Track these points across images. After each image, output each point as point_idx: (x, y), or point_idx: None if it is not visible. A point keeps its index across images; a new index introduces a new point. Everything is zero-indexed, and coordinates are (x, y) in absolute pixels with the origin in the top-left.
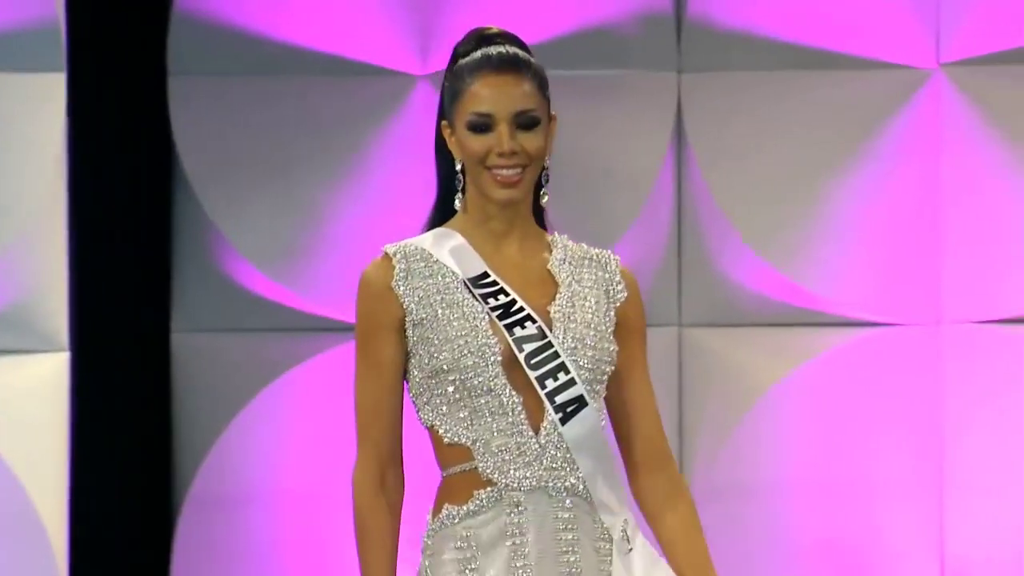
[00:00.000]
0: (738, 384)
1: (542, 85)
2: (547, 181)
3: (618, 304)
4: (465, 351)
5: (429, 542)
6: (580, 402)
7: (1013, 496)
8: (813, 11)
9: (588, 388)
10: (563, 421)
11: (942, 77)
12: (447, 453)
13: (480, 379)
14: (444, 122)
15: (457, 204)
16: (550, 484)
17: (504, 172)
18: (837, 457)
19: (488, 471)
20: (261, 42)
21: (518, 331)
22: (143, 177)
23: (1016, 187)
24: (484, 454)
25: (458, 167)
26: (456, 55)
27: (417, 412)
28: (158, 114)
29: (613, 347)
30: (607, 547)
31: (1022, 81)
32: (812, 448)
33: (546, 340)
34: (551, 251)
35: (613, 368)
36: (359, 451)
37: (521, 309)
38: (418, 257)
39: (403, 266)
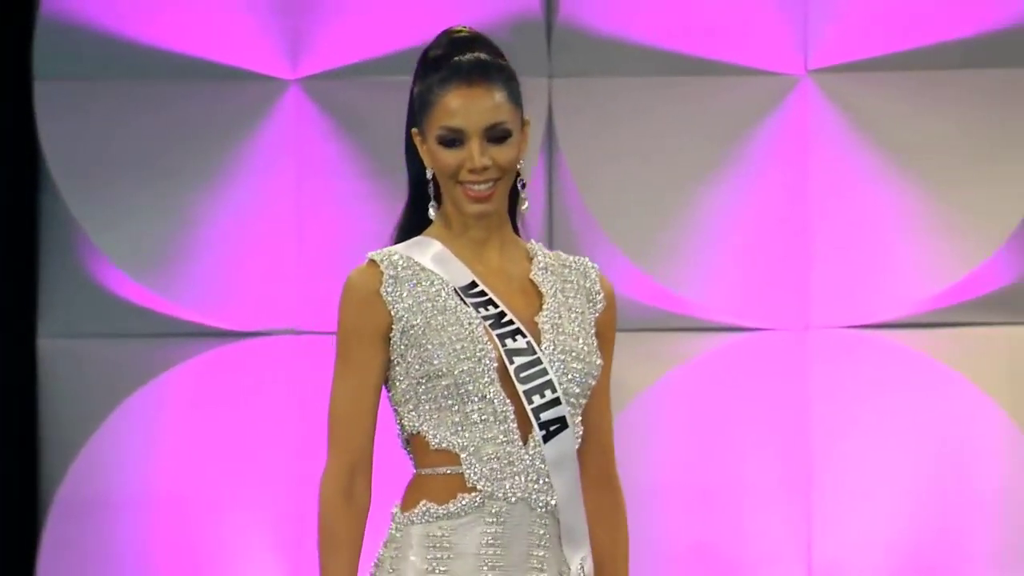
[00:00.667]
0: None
1: (513, 92)
2: (523, 187)
3: (598, 314)
4: (462, 356)
5: (397, 535)
6: (562, 423)
7: (880, 498)
8: (683, 18)
9: (574, 404)
10: (545, 439)
11: (810, 84)
12: (431, 456)
13: (474, 385)
14: (414, 129)
15: (432, 213)
16: (532, 498)
17: (476, 188)
18: (707, 461)
19: (475, 478)
20: (129, 46)
21: (509, 343)
22: (9, 182)
23: (882, 193)
24: (473, 461)
25: (429, 175)
26: (426, 59)
27: (398, 420)
28: (25, 118)
29: (599, 360)
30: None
31: (888, 88)
32: (682, 452)
33: (535, 356)
34: (531, 259)
35: (596, 381)
36: (329, 456)
37: (511, 321)
38: (404, 264)
39: (391, 273)
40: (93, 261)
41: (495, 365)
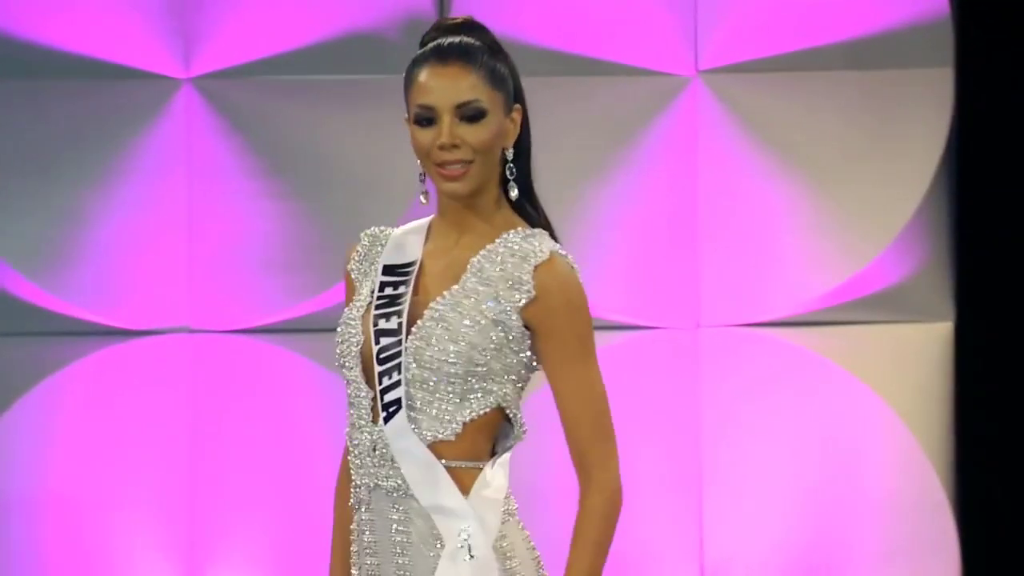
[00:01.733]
0: None
1: (495, 75)
2: (512, 175)
3: (520, 306)
4: (338, 338)
5: None
6: (397, 405)
7: (770, 495)
8: (573, 17)
9: (430, 389)
10: (385, 420)
11: (700, 84)
12: None
13: (344, 369)
14: (405, 116)
15: (422, 200)
16: (382, 483)
17: (447, 168)
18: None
19: (352, 466)
20: (20, 45)
21: (382, 323)
22: None
23: (771, 192)
24: (351, 448)
25: (419, 160)
26: (420, 45)
27: None
28: None
29: (456, 347)
30: (439, 550)
31: (777, 88)
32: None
33: (398, 338)
34: (491, 245)
35: (479, 369)
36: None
37: (400, 302)
38: (381, 241)
39: (364, 250)
40: None
41: (357, 349)
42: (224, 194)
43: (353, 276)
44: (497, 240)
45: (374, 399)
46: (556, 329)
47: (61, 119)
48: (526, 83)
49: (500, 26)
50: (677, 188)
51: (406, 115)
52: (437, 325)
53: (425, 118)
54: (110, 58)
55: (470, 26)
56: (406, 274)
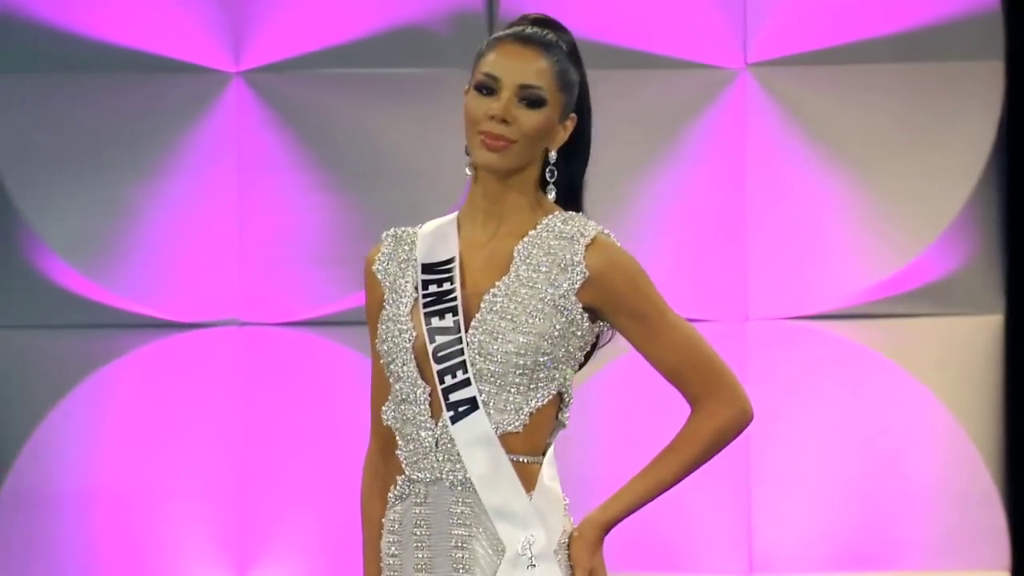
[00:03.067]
0: None
1: (564, 77)
2: (552, 176)
3: (576, 288)
4: (385, 335)
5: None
6: (472, 404)
7: (818, 487)
8: (620, 10)
9: (497, 381)
10: (453, 420)
11: (748, 77)
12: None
13: (395, 365)
14: (466, 87)
15: (468, 170)
16: (444, 477)
17: (491, 138)
18: (645, 452)
19: (402, 458)
20: (73, 39)
21: (435, 321)
22: None
23: (820, 186)
24: (400, 440)
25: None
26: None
27: None
28: None
29: (526, 338)
30: (501, 553)
31: (826, 81)
32: (621, 442)
33: (457, 335)
34: (533, 231)
35: (545, 359)
36: (370, 437)
37: (453, 299)
38: (407, 240)
39: (388, 250)
40: (37, 253)
41: (410, 345)
42: (274, 187)
43: (380, 277)
44: (538, 226)
45: (431, 394)
46: (625, 303)
47: (112, 113)
48: None
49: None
50: (725, 181)
51: (466, 86)
52: (499, 318)
53: (487, 87)
54: (161, 52)
55: (557, 26)
56: (448, 271)
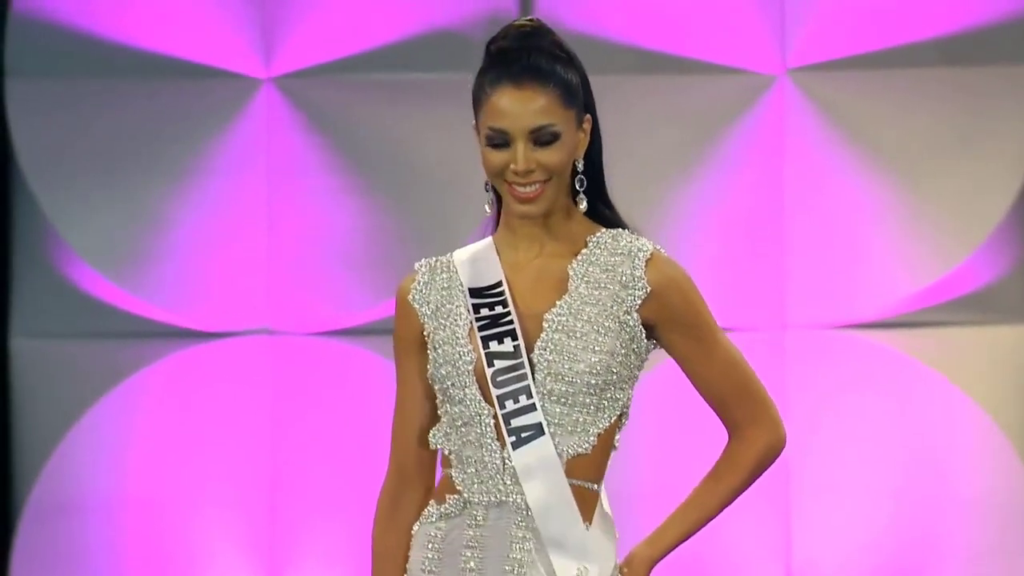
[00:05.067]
0: None
1: (568, 93)
2: (582, 186)
3: (638, 304)
4: (442, 359)
5: (415, 531)
6: (537, 430)
7: (859, 499)
8: (660, 15)
9: (567, 402)
10: (515, 446)
11: (788, 82)
12: (443, 459)
13: (454, 389)
14: (474, 125)
15: (487, 208)
16: (510, 500)
17: (521, 190)
18: (684, 460)
19: (458, 481)
20: (102, 43)
21: (494, 345)
22: None
23: (860, 192)
24: (457, 464)
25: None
26: (487, 52)
27: None
28: None
29: (597, 356)
30: None
31: (866, 86)
32: (659, 453)
33: (519, 360)
34: (584, 249)
35: (614, 377)
36: (388, 465)
37: (509, 323)
38: (442, 269)
39: (425, 279)
40: (66, 260)
41: (470, 368)
42: (304, 193)
43: (418, 307)
44: (589, 243)
45: (495, 417)
46: (680, 320)
47: (142, 118)
48: (612, 81)
49: (586, 24)
50: (764, 187)
51: (474, 123)
52: (566, 337)
53: (499, 142)
54: (190, 57)
55: (540, 32)
56: (498, 294)
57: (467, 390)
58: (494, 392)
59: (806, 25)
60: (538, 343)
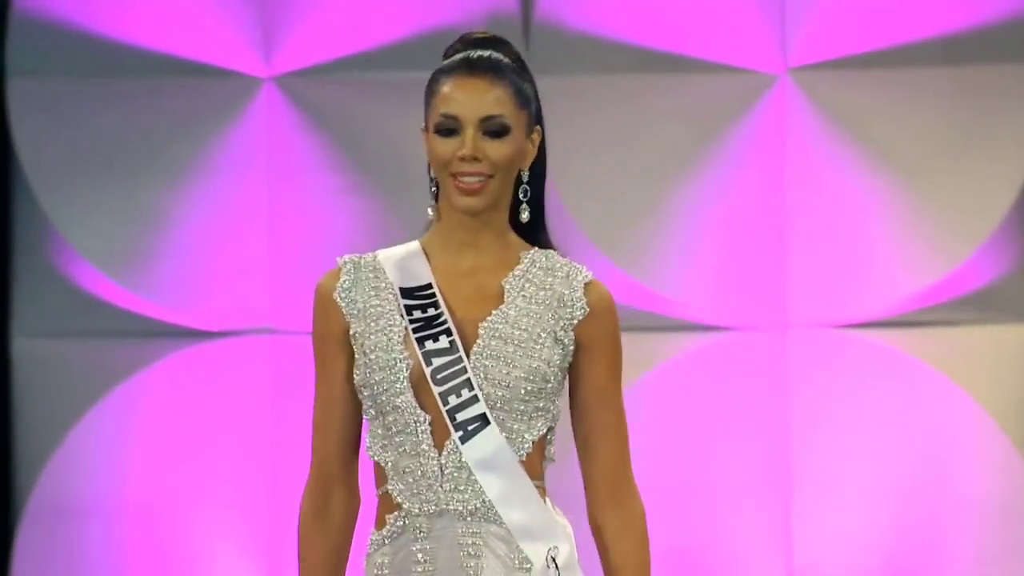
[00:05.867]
0: None
1: (520, 94)
2: (526, 195)
3: (575, 322)
4: (375, 366)
5: (366, 561)
6: (482, 420)
7: (860, 499)
8: (661, 14)
9: (506, 410)
10: (463, 440)
11: (788, 81)
12: (375, 472)
13: (388, 395)
14: (423, 126)
15: (429, 212)
16: (451, 508)
17: (466, 180)
18: (685, 462)
19: (396, 494)
20: (103, 43)
21: (429, 344)
22: None
23: (862, 191)
24: (394, 476)
25: (432, 173)
26: (444, 57)
27: None
28: None
29: (536, 363)
30: (514, 572)
31: (867, 85)
32: (660, 453)
33: (456, 355)
34: (518, 265)
35: (548, 386)
36: (309, 469)
37: (443, 323)
38: (370, 268)
39: (350, 277)
40: (66, 259)
41: (406, 374)
42: (305, 192)
43: (343, 304)
44: (524, 260)
45: (431, 423)
46: (605, 350)
47: (142, 117)
48: (612, 80)
49: (588, 24)
50: (765, 187)
51: (423, 125)
52: (503, 343)
53: (448, 128)
54: (191, 56)
55: (497, 41)
56: (429, 296)
57: (402, 397)
58: (435, 390)
59: (807, 24)
60: (475, 349)
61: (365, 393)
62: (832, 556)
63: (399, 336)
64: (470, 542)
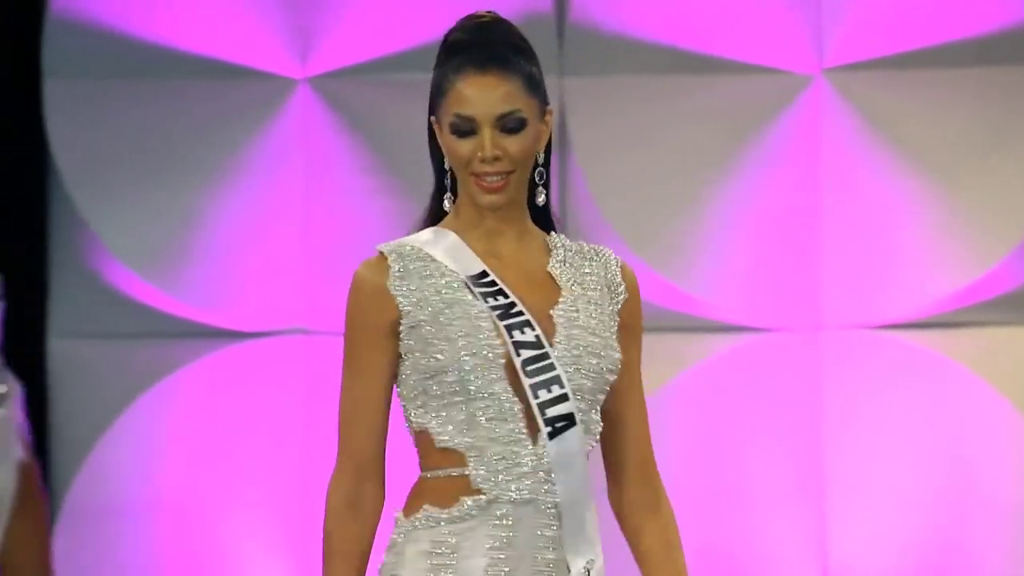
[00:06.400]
0: None
1: (530, 81)
2: (541, 179)
3: (619, 305)
4: (466, 352)
5: (399, 539)
6: (569, 420)
7: (895, 501)
8: (696, 15)
9: (588, 400)
10: (551, 436)
11: (824, 82)
12: (436, 457)
13: (480, 382)
14: (432, 118)
15: (447, 205)
16: (540, 498)
17: (488, 179)
18: (718, 464)
19: (479, 480)
20: (138, 44)
21: (517, 335)
22: (18, 180)
23: (896, 191)
24: (478, 462)
25: (447, 165)
26: (445, 44)
27: (406, 416)
28: (34, 117)
29: (618, 354)
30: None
31: (902, 86)
32: (693, 454)
33: (543, 350)
34: (551, 252)
35: (616, 376)
36: (338, 460)
37: (520, 312)
38: (414, 256)
39: (399, 265)
40: (102, 261)
41: (502, 361)
42: (340, 193)
43: (399, 296)
44: (554, 245)
45: (525, 412)
46: (639, 330)
47: (177, 119)
48: (646, 81)
49: (622, 24)
50: (799, 188)
51: (432, 117)
52: (586, 333)
53: (464, 129)
54: (226, 58)
55: (497, 21)
56: (491, 284)
57: (499, 384)
58: (526, 382)
59: (842, 25)
60: (557, 340)
61: (448, 379)
62: (867, 557)
63: (487, 323)
64: (549, 535)
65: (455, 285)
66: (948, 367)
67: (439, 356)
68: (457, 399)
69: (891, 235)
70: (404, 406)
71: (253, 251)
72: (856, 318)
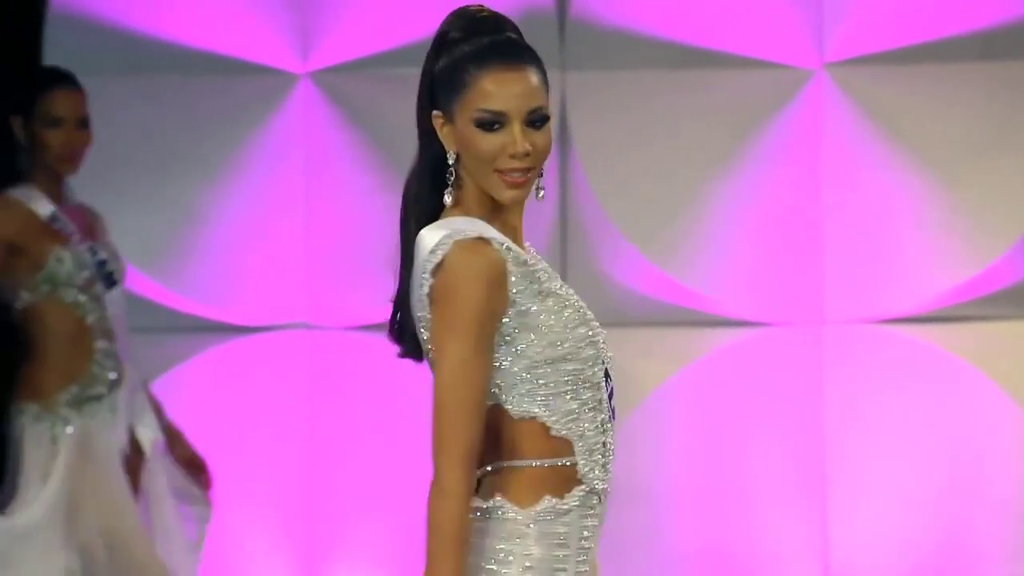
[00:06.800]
0: (622, 386)
1: (545, 77)
2: (541, 176)
3: None
4: (585, 341)
5: (527, 530)
6: (614, 412)
7: (896, 495)
8: (697, 10)
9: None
10: (611, 429)
11: (825, 77)
12: (543, 446)
13: (594, 371)
14: (436, 112)
15: (447, 199)
16: (609, 489)
17: (513, 175)
18: (720, 458)
19: (584, 468)
20: (139, 40)
21: (594, 325)
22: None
23: (898, 186)
24: (583, 451)
25: (451, 159)
26: (446, 39)
27: (502, 403)
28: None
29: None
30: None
31: (903, 81)
32: (695, 449)
33: (604, 345)
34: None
35: None
36: (455, 454)
37: (583, 305)
38: (503, 244)
39: (511, 257)
40: None
41: (605, 350)
42: (341, 188)
43: (515, 284)
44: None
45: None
46: None
47: (179, 114)
48: (648, 76)
49: (623, 20)
50: (801, 183)
51: (440, 111)
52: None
53: (492, 123)
54: (228, 53)
55: (503, 18)
56: (552, 277)
57: (599, 374)
58: (605, 372)
59: (844, 20)
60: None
61: (569, 367)
62: (868, 553)
63: (589, 314)
64: (596, 524)
65: (545, 275)
66: (949, 361)
67: (560, 345)
68: (568, 388)
69: (892, 230)
70: (498, 394)
71: (255, 246)
72: (857, 313)
